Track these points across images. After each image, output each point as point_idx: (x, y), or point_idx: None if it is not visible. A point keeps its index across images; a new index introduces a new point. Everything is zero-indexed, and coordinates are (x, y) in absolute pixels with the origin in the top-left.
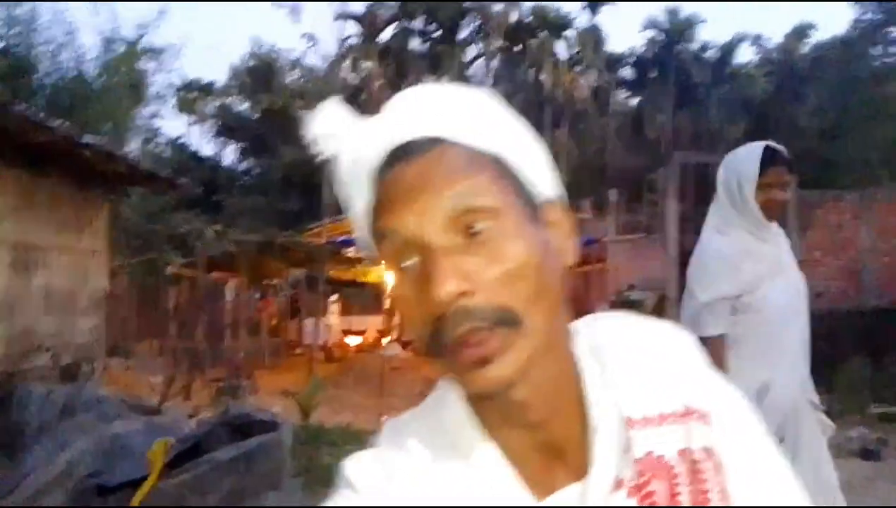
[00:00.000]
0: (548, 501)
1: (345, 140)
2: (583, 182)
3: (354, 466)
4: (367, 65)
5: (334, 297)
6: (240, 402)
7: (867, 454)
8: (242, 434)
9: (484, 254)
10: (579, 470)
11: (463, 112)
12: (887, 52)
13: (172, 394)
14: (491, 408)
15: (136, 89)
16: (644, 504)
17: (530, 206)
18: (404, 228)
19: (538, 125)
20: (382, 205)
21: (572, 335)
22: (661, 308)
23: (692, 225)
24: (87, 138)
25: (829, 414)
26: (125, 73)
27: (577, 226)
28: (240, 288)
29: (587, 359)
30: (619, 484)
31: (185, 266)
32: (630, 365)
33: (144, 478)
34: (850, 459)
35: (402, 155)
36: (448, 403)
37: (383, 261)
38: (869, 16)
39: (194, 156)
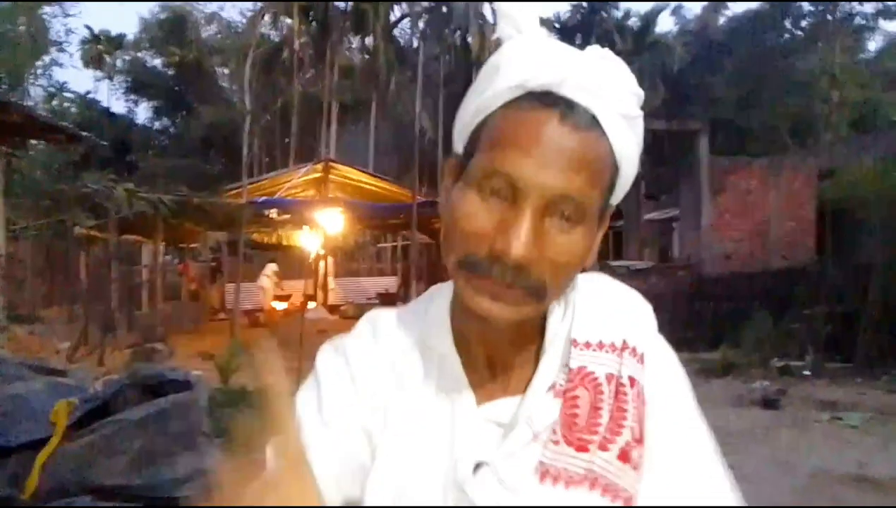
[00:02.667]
0: (486, 405)
1: (526, 43)
2: None
3: (322, 355)
4: (288, 21)
5: (274, 266)
6: (154, 365)
7: (768, 403)
8: (154, 394)
9: (559, 240)
10: (519, 389)
11: (626, 108)
12: (797, 25)
13: (80, 358)
14: (472, 325)
15: (36, 37)
16: (567, 406)
17: (604, 210)
18: (524, 171)
19: (465, 88)
20: (515, 133)
21: None
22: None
23: None
24: None
25: (734, 366)
26: (22, 21)
27: None
28: (156, 251)
29: (558, 303)
30: (551, 388)
31: (96, 228)
32: (590, 304)
33: (47, 439)
34: (752, 408)
35: (563, 110)
36: (432, 307)
37: (471, 166)
38: None
39: (105, 113)
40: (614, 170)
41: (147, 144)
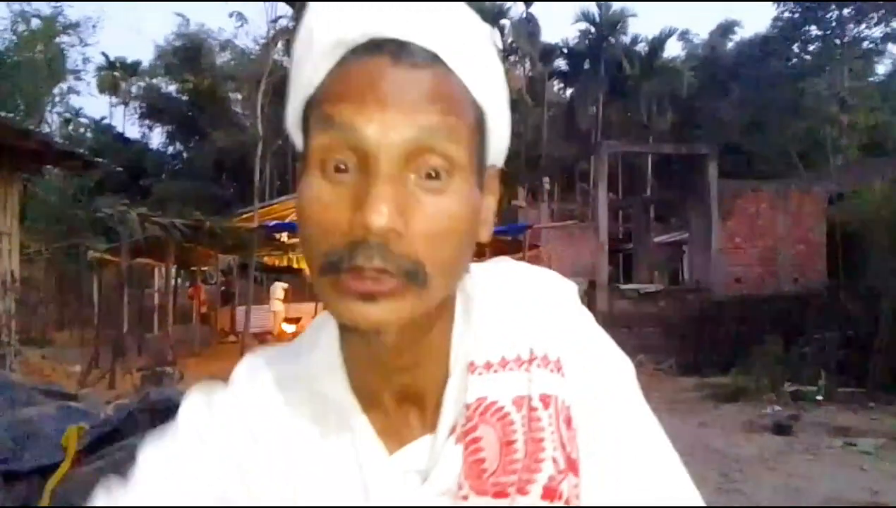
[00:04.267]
0: (399, 453)
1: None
2: (518, 170)
3: (186, 405)
4: None
5: (283, 285)
6: (166, 389)
7: (780, 429)
8: (164, 418)
9: (429, 203)
10: (434, 421)
11: (474, 44)
12: (805, 50)
13: (92, 382)
14: (359, 348)
15: (53, 65)
16: (469, 452)
17: (481, 168)
18: (364, 128)
19: None
20: (344, 90)
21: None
22: (591, 294)
23: (621, 212)
24: None
25: (745, 391)
26: (40, 49)
27: (508, 206)
28: (167, 274)
29: (459, 308)
30: (452, 431)
31: (109, 251)
32: (489, 312)
33: (57, 465)
34: (764, 434)
35: (394, 50)
36: (320, 343)
37: (308, 151)
38: (788, 15)
39: (120, 138)
40: (478, 112)
41: (160, 169)
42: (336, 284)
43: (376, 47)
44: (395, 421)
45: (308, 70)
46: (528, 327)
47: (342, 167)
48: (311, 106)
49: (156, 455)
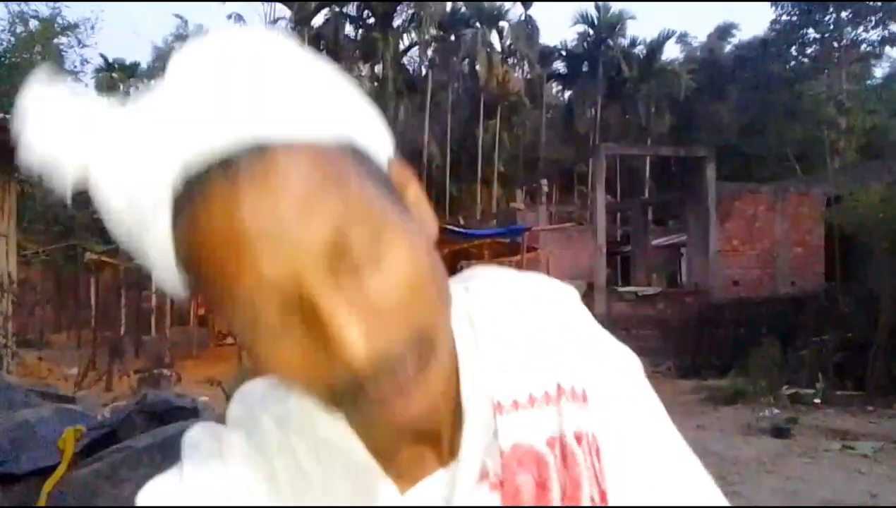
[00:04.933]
0: (411, 493)
1: (111, 153)
2: (516, 173)
3: (190, 441)
4: None
5: None
6: (163, 392)
7: (778, 432)
8: (161, 421)
9: (376, 276)
10: (450, 454)
11: (285, 87)
12: (803, 52)
13: (89, 384)
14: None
15: (51, 66)
16: (508, 500)
17: (385, 182)
18: (255, 277)
19: (473, 116)
20: (201, 251)
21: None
22: (589, 296)
23: (619, 214)
24: None
25: (743, 394)
26: (38, 50)
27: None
28: None
29: (462, 333)
30: (484, 476)
31: (106, 253)
32: (503, 338)
33: (54, 467)
34: (762, 437)
35: (215, 170)
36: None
37: (238, 323)
38: (786, 18)
39: None
40: (345, 149)
41: None
42: (352, 414)
43: (197, 182)
44: (403, 455)
45: (155, 237)
46: (550, 357)
47: (267, 318)
48: (183, 275)
49: (159, 493)
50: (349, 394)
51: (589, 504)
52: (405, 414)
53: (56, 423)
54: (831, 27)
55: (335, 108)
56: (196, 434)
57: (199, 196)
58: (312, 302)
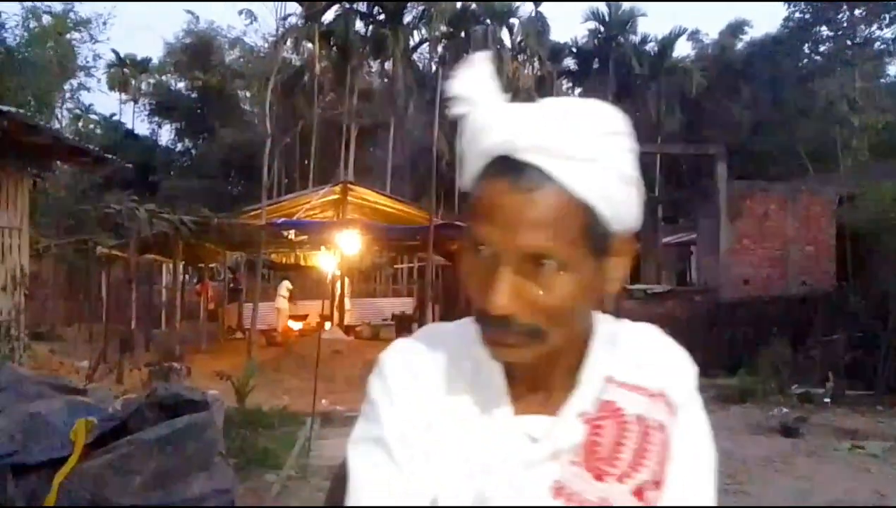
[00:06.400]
0: (521, 417)
1: (486, 116)
2: None
3: (387, 355)
4: (310, 46)
5: (288, 284)
6: (173, 385)
7: (787, 431)
8: (171, 414)
9: (542, 285)
10: (555, 410)
11: (584, 151)
12: (816, 50)
13: (100, 377)
14: None
15: (63, 62)
16: (592, 432)
17: (601, 239)
18: (491, 239)
19: None
20: (479, 207)
21: (594, 321)
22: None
23: None
24: (4, 108)
25: (753, 393)
26: (51, 45)
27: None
28: (175, 271)
29: (602, 343)
30: (581, 414)
31: (118, 248)
32: (633, 351)
33: (66, 458)
34: (771, 436)
35: (511, 178)
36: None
37: (466, 231)
38: (799, 15)
39: (129, 135)
40: (585, 211)
41: (169, 166)
42: (480, 329)
43: (505, 166)
44: (525, 394)
45: (471, 160)
46: (664, 374)
47: (483, 256)
48: (469, 197)
49: (379, 385)
50: (482, 317)
51: (648, 474)
52: (496, 354)
53: (68, 415)
54: (844, 25)
55: (597, 176)
56: (387, 353)
57: (503, 174)
58: (500, 263)
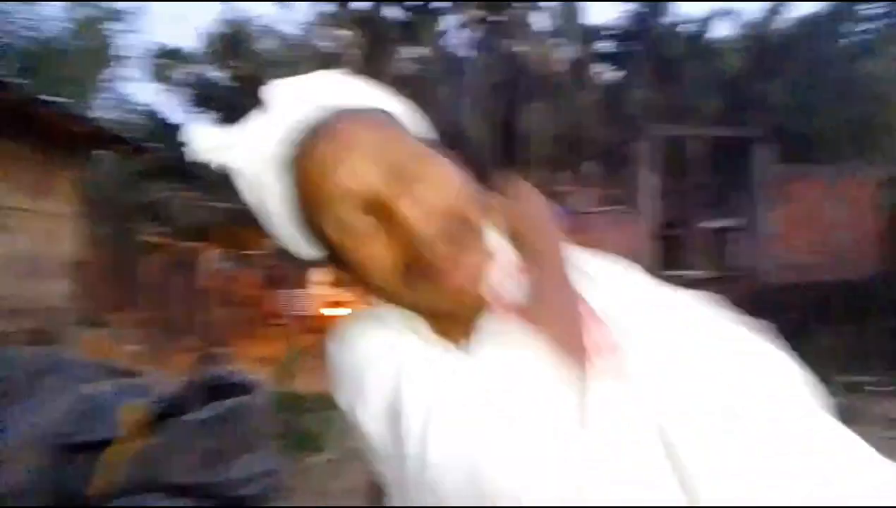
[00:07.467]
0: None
1: (235, 145)
2: (561, 154)
3: (342, 327)
4: (342, 33)
5: (321, 270)
6: (220, 368)
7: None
8: (218, 396)
9: (421, 184)
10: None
11: (345, 89)
12: (859, 29)
13: (149, 360)
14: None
15: (103, 52)
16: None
17: (413, 135)
18: (346, 197)
19: (516, 97)
20: (313, 179)
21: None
22: None
23: (667, 197)
24: (48, 98)
25: None
26: (90, 35)
27: (556, 198)
28: (216, 257)
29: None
30: None
31: (160, 235)
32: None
33: (116, 440)
34: None
35: (319, 129)
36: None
37: (335, 232)
38: None
39: (167, 124)
40: (382, 113)
41: None
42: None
43: (309, 134)
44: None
45: (268, 190)
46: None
47: (366, 218)
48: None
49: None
50: (419, 269)
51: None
52: (456, 281)
53: (118, 397)
54: (888, 2)
55: (373, 95)
56: (354, 322)
57: (308, 141)
58: (384, 203)
